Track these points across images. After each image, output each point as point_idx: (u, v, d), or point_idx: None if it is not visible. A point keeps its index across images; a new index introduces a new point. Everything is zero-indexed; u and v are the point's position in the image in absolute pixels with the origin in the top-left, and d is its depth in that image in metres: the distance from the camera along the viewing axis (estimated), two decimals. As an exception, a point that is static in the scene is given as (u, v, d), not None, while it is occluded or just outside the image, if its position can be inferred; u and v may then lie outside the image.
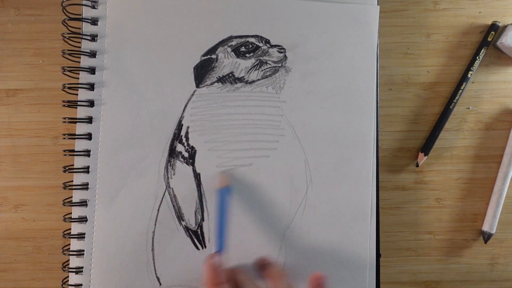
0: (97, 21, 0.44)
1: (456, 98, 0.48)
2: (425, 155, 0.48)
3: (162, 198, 0.43)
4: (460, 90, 0.48)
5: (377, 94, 0.44)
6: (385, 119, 0.48)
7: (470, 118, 0.49)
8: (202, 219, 0.43)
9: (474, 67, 0.48)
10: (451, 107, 0.48)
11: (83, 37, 0.43)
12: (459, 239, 0.49)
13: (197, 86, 0.43)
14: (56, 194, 0.48)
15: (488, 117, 0.49)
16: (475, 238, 0.49)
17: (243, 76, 0.43)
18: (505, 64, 0.49)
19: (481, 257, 0.49)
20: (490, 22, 0.48)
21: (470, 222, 0.49)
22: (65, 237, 0.43)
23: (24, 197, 0.48)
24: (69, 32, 0.43)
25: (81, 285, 0.42)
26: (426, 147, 0.48)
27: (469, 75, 0.48)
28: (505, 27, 0.48)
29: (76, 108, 0.43)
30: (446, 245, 0.49)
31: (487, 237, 0.48)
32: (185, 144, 0.43)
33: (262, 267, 0.41)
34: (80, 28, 0.44)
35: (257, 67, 0.44)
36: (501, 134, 0.49)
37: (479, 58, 0.48)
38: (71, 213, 0.43)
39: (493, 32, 0.48)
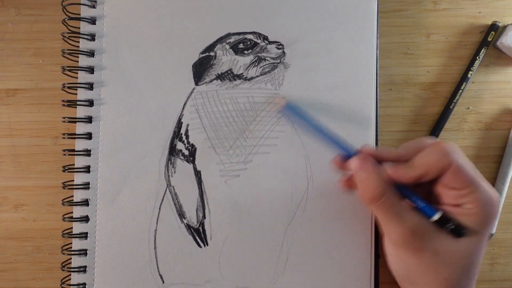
0: (96, 20, 0.44)
1: (456, 98, 0.48)
2: (425, 155, 0.48)
3: (163, 196, 0.43)
4: (460, 90, 0.48)
5: (377, 94, 0.43)
6: (385, 119, 0.48)
7: (470, 118, 0.49)
8: (204, 216, 0.43)
9: (474, 67, 0.48)
10: (451, 107, 0.48)
11: (82, 36, 0.43)
12: (459, 239, 0.49)
13: (196, 83, 0.43)
14: (56, 194, 0.48)
15: (488, 117, 0.49)
16: (475, 238, 0.49)
17: (242, 73, 0.44)
18: (505, 64, 0.49)
19: (481, 257, 0.49)
20: (490, 22, 0.48)
21: (470, 222, 0.49)
22: (64, 236, 0.43)
23: (24, 197, 0.48)
24: (69, 31, 0.43)
25: (85, 284, 0.42)
26: (426, 147, 0.48)
27: (469, 75, 0.48)
28: (505, 27, 0.48)
29: (76, 107, 0.43)
30: (446, 245, 0.49)
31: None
32: (185, 142, 0.43)
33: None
34: (80, 28, 0.44)
35: (256, 64, 0.44)
36: (501, 134, 0.49)
37: (479, 58, 0.48)
38: (70, 212, 0.43)
39: (493, 32, 0.48)
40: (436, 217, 0.36)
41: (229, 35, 0.44)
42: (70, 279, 0.43)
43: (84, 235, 0.42)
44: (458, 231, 0.35)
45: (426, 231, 0.35)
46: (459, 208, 0.36)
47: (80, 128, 0.43)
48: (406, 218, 0.35)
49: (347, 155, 0.39)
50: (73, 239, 0.43)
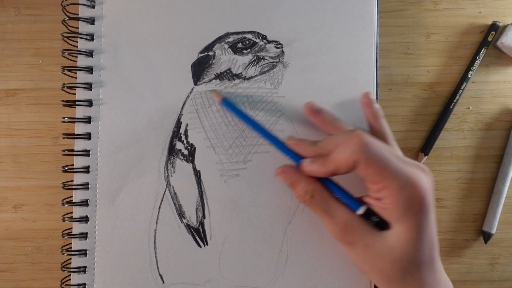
0: (95, 20, 0.44)
1: (456, 98, 0.48)
2: (425, 155, 0.48)
3: (163, 196, 0.43)
4: (460, 90, 0.48)
5: (377, 94, 0.43)
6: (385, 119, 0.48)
7: (470, 118, 0.49)
8: (203, 216, 0.43)
9: (474, 67, 0.48)
10: (451, 107, 0.48)
11: (80, 36, 0.43)
12: (459, 239, 0.49)
13: (195, 83, 0.43)
14: (56, 194, 0.48)
15: (488, 117, 0.49)
16: (475, 238, 0.49)
17: (241, 73, 0.43)
18: (505, 64, 0.49)
19: (481, 257, 0.49)
20: (490, 22, 0.48)
21: (470, 222, 0.49)
22: (64, 237, 0.43)
23: (24, 197, 0.48)
24: (69, 31, 0.43)
25: (84, 284, 0.42)
26: (426, 147, 0.48)
27: (469, 75, 0.48)
28: (505, 27, 0.48)
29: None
30: (446, 245, 0.49)
31: (487, 237, 0.48)
32: (185, 141, 0.43)
33: (313, 113, 0.41)
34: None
35: (255, 63, 0.44)
36: (501, 134, 0.49)
37: (479, 58, 0.48)
38: (70, 213, 0.43)
39: (493, 32, 0.48)
40: (360, 211, 0.36)
41: (228, 34, 0.44)
42: (70, 279, 0.43)
43: (84, 236, 0.42)
44: (380, 224, 0.35)
45: (356, 226, 0.36)
46: (380, 202, 0.35)
47: (79, 128, 0.43)
48: (336, 214, 0.36)
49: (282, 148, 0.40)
50: (73, 239, 0.43)
